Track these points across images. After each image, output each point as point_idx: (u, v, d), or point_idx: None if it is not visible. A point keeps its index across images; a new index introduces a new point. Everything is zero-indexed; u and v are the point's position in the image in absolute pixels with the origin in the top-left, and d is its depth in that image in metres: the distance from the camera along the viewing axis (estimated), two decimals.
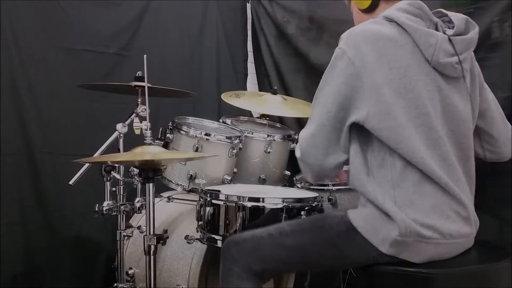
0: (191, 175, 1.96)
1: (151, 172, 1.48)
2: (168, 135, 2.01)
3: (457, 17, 1.31)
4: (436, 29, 1.28)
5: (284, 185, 2.26)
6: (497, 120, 1.45)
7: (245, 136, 2.12)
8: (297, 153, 1.39)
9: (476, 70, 1.39)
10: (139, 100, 1.81)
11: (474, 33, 1.30)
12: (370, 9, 1.39)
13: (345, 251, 1.29)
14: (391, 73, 1.21)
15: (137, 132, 1.72)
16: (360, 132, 1.28)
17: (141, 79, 1.74)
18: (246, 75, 3.13)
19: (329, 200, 1.88)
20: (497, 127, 1.44)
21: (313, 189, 1.95)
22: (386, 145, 1.23)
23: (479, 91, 1.38)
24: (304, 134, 1.36)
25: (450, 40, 1.25)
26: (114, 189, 1.78)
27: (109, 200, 1.76)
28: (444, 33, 1.27)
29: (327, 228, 1.32)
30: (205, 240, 1.69)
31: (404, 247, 1.21)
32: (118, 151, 1.77)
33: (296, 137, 2.30)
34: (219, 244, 1.60)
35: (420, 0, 1.30)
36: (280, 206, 1.57)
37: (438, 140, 1.23)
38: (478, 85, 1.38)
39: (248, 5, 3.09)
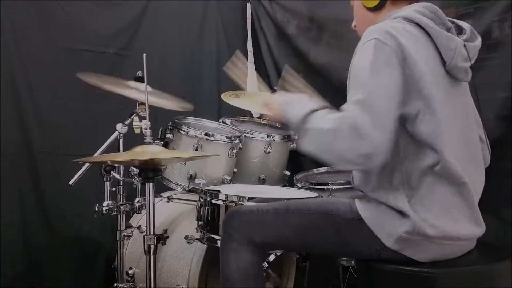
0: (191, 175, 1.96)
1: (151, 172, 1.48)
2: (168, 135, 2.01)
3: (466, 25, 1.33)
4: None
5: (284, 185, 2.26)
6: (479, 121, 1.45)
7: (245, 136, 2.12)
8: (368, 148, 1.12)
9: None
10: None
11: (479, 41, 1.33)
12: (377, 8, 1.39)
13: (349, 239, 1.29)
14: (415, 71, 1.19)
15: (137, 131, 1.72)
16: None
17: (141, 79, 1.74)
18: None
19: (330, 197, 1.88)
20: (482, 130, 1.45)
21: (313, 189, 1.95)
22: (407, 146, 1.22)
23: None
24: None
25: (464, 45, 1.27)
26: (114, 189, 1.78)
27: (109, 200, 1.76)
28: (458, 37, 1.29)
29: (334, 213, 1.31)
30: (205, 240, 1.69)
31: (408, 244, 1.21)
32: (118, 151, 1.77)
33: (296, 137, 2.30)
34: (219, 244, 1.59)
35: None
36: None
37: (453, 141, 1.23)
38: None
39: (248, 5, 3.09)
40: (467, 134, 1.30)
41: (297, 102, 1.30)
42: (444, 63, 1.25)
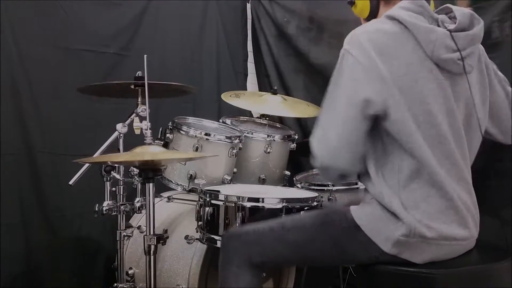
0: (191, 175, 1.96)
1: (151, 172, 1.48)
2: (168, 135, 2.01)
3: (462, 12, 1.30)
4: (438, 26, 1.28)
5: (284, 185, 2.26)
6: (506, 114, 1.45)
7: (245, 136, 2.12)
8: (320, 163, 1.29)
9: (486, 64, 1.39)
10: (139, 100, 1.81)
11: (479, 28, 1.30)
12: (372, 17, 1.42)
13: (347, 248, 1.29)
14: (393, 70, 1.21)
15: (137, 132, 1.72)
16: (370, 131, 1.26)
17: (141, 79, 1.74)
18: (246, 75, 3.13)
19: (329, 200, 1.88)
20: (506, 121, 1.45)
21: (313, 189, 1.95)
22: (394, 147, 1.23)
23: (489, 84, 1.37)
24: (324, 140, 1.28)
25: (451, 35, 1.25)
26: (114, 189, 1.77)
27: (109, 200, 1.75)
28: (446, 28, 1.26)
29: (330, 225, 1.32)
30: (205, 240, 1.69)
31: (406, 247, 1.21)
32: (118, 151, 1.77)
33: (296, 137, 2.30)
34: (219, 244, 1.60)
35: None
36: (279, 206, 1.57)
37: (441, 138, 1.23)
38: (489, 79, 1.38)
39: (248, 5, 3.09)
40: (460, 131, 1.28)
41: None
42: (428, 56, 1.23)
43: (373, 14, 1.40)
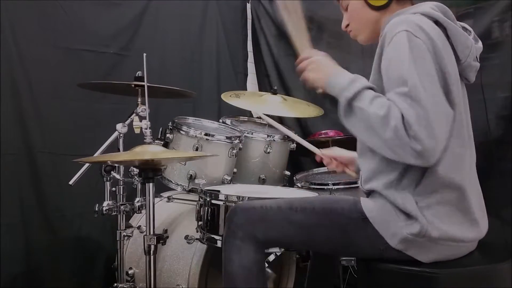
0: (191, 175, 1.96)
1: (151, 172, 1.48)
2: (168, 135, 2.01)
3: (468, 27, 1.34)
4: None
5: (284, 185, 2.26)
6: None
7: (245, 136, 2.12)
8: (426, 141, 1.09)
9: None
10: (139, 100, 1.81)
11: (480, 44, 1.34)
12: (384, 7, 1.35)
13: (353, 238, 1.28)
14: (442, 65, 1.17)
15: (137, 131, 1.72)
16: None
17: (141, 79, 1.74)
18: (246, 75, 3.13)
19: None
20: None
21: (313, 188, 1.95)
22: None
23: None
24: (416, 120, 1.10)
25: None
26: (114, 189, 1.78)
27: (109, 200, 1.76)
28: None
29: (339, 212, 1.31)
30: (205, 240, 1.69)
31: (413, 244, 1.21)
32: (118, 151, 1.77)
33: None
34: (219, 244, 1.60)
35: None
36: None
37: (464, 141, 1.24)
38: None
39: (248, 5, 3.09)
40: (471, 136, 1.30)
41: (345, 72, 1.26)
42: (459, 61, 1.24)
43: (386, 5, 1.34)
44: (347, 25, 1.44)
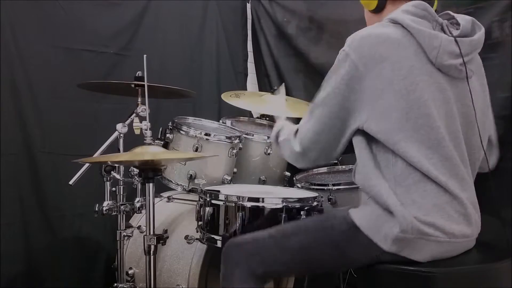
0: (191, 175, 1.96)
1: (151, 172, 1.48)
2: (168, 135, 2.01)
3: (464, 19, 1.32)
4: (442, 30, 1.29)
5: (285, 186, 2.25)
6: (491, 123, 1.47)
7: (245, 137, 2.12)
8: (297, 148, 1.39)
9: (482, 71, 1.40)
10: (139, 100, 1.81)
11: (480, 34, 1.32)
12: (377, 10, 1.41)
13: (347, 251, 1.29)
14: (394, 74, 1.22)
15: (137, 132, 1.72)
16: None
17: (141, 79, 1.74)
18: (246, 75, 3.13)
19: (329, 200, 1.87)
20: (493, 131, 1.48)
21: (313, 189, 1.95)
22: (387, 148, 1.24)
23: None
24: (305, 130, 1.38)
25: (456, 41, 1.26)
26: (114, 189, 1.78)
27: (109, 200, 1.76)
28: (451, 33, 1.27)
29: (329, 228, 1.32)
30: (205, 240, 1.69)
31: (405, 244, 1.21)
32: (118, 151, 1.77)
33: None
34: (219, 244, 1.59)
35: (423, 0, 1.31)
36: (279, 206, 1.57)
37: (441, 141, 1.23)
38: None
39: (248, 5, 3.09)
40: (458, 134, 1.28)
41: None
42: (431, 61, 1.24)
43: (380, 8, 1.41)
44: None
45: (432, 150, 1.22)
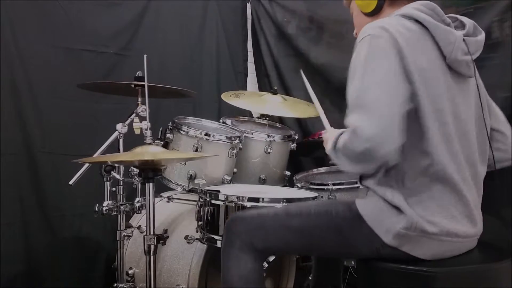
0: (191, 175, 1.96)
1: (151, 172, 1.48)
2: (168, 135, 2.01)
3: (467, 20, 1.34)
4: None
5: (285, 185, 2.26)
6: (501, 115, 1.48)
7: (245, 136, 2.12)
8: (363, 146, 1.12)
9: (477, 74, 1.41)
10: (139, 100, 1.81)
11: (482, 37, 1.34)
12: (375, 12, 1.39)
13: (350, 238, 1.29)
14: (419, 63, 1.20)
15: (137, 132, 1.72)
16: None
17: (141, 79, 1.74)
18: (246, 75, 3.13)
19: (329, 199, 1.88)
20: (503, 123, 1.47)
21: (313, 189, 1.95)
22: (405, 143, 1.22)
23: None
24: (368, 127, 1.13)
25: (464, 39, 1.28)
26: (114, 189, 1.78)
27: (109, 200, 1.76)
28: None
29: (334, 213, 1.32)
30: (205, 240, 1.69)
31: (407, 240, 1.22)
32: (118, 151, 1.77)
33: (296, 137, 2.30)
34: (219, 244, 1.60)
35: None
36: (279, 206, 1.57)
37: (449, 137, 1.24)
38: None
39: (248, 5, 3.09)
40: (468, 132, 1.29)
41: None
42: (444, 57, 1.25)
43: (377, 10, 1.39)
44: (357, 33, 1.47)
45: (445, 145, 1.22)
